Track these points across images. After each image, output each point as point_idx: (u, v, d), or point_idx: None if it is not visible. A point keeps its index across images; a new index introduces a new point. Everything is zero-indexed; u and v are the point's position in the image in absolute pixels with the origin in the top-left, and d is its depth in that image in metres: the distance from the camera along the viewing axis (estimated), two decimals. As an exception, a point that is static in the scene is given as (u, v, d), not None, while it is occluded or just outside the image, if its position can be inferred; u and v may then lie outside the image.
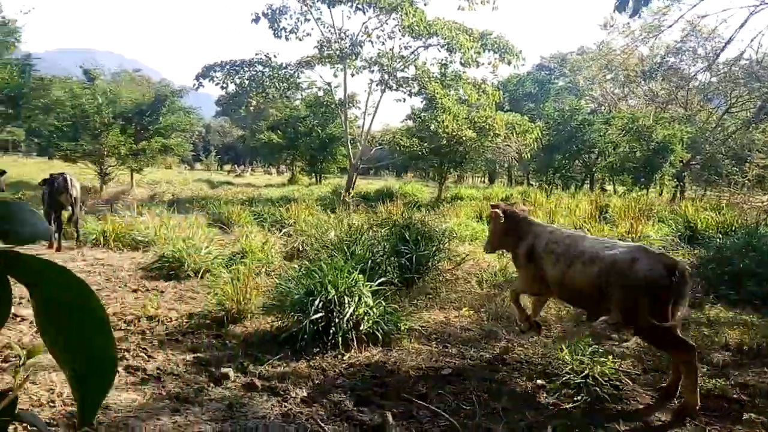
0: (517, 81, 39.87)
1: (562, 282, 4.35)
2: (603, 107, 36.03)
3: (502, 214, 5.00)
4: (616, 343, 5.12)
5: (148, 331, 5.03)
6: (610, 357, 4.32)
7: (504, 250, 5.75)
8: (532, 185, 30.05)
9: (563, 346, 4.45)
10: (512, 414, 3.68)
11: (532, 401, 3.91)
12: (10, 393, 0.72)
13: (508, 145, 23.74)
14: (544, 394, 4.02)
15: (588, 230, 10.20)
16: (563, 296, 4.64)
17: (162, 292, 6.50)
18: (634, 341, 5.03)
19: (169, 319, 5.40)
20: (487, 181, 51.22)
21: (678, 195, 23.95)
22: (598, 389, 3.91)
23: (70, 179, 8.92)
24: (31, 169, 29.08)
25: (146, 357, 4.39)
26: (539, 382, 4.20)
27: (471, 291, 6.77)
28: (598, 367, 4.13)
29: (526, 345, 5.06)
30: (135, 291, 6.49)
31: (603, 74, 28.35)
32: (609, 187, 33.26)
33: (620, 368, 4.37)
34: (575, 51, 38.89)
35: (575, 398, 3.87)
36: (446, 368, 4.44)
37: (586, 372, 4.07)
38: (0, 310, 0.54)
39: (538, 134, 21.51)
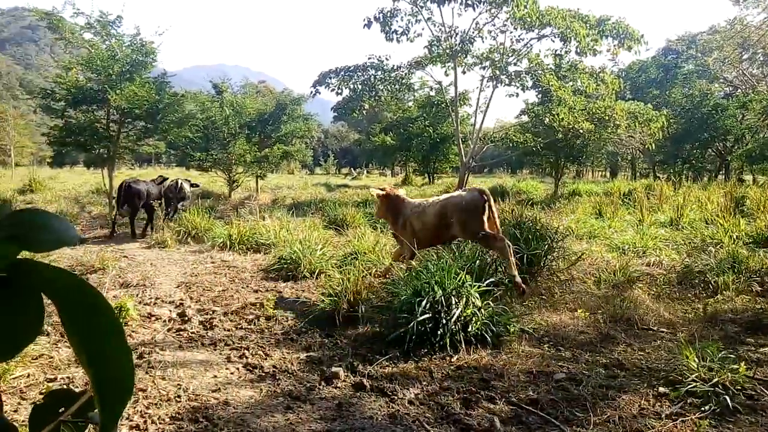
0: (639, 67, 37.41)
1: (423, 228, 6.51)
2: (739, 90, 32.80)
3: (383, 194, 7.05)
4: (752, 348, 4.65)
5: (266, 330, 5.32)
6: (743, 363, 3.93)
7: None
8: (658, 177, 28.06)
9: (690, 351, 4.12)
10: (630, 423, 3.45)
11: (653, 410, 3.65)
12: (86, 393, 0.78)
13: (631, 136, 22.34)
14: (667, 403, 3.73)
15: (721, 225, 9.36)
16: (426, 242, 6.57)
17: (280, 292, 6.83)
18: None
19: (285, 319, 5.67)
20: (608, 175, 48.66)
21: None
22: (728, 399, 3.57)
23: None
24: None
25: (263, 355, 4.63)
26: (661, 389, 3.90)
27: (587, 291, 6.44)
28: (730, 374, 3.78)
29: (648, 350, 4.74)
30: (256, 291, 6.88)
31: (738, 54, 25.87)
32: (748, 177, 30.28)
33: (755, 376, 3.96)
34: (706, 31, 35.65)
35: (702, 408, 3.56)
36: (559, 373, 4.26)
37: (716, 380, 3.74)
38: (30, 322, 0.57)
39: (663, 123, 19.99)
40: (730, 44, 26.71)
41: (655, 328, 5.28)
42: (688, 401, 3.68)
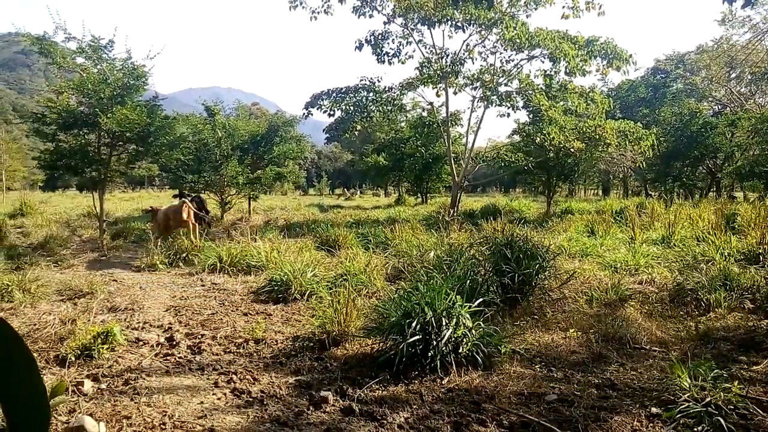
0: (629, 87, 37.85)
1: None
2: (728, 108, 33.19)
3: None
4: (744, 366, 4.61)
5: (255, 354, 5.25)
6: (737, 382, 3.90)
7: None
8: (650, 195, 28.22)
9: (682, 370, 4.08)
10: (622, 445, 3.41)
11: (646, 431, 3.61)
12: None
13: (622, 155, 22.47)
14: (660, 424, 3.69)
15: (712, 242, 9.37)
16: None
17: (270, 315, 6.77)
18: (766, 364, 4.52)
19: (275, 342, 5.60)
20: (600, 193, 48.93)
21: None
22: (721, 419, 3.53)
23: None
24: (162, 201, 31.74)
25: (252, 379, 4.56)
26: (654, 410, 3.86)
27: (579, 310, 6.41)
28: (723, 393, 3.74)
29: (641, 369, 4.70)
30: (246, 314, 6.81)
31: (725, 73, 26.26)
32: (738, 194, 30.50)
33: (748, 395, 3.92)
34: (693, 51, 36.12)
35: (695, 429, 3.52)
36: (551, 394, 4.21)
37: (708, 399, 3.70)
38: None
39: (653, 141, 20.15)
40: (717, 63, 27.11)
41: (648, 347, 5.25)
42: (681, 422, 3.63)
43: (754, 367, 4.57)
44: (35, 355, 4.94)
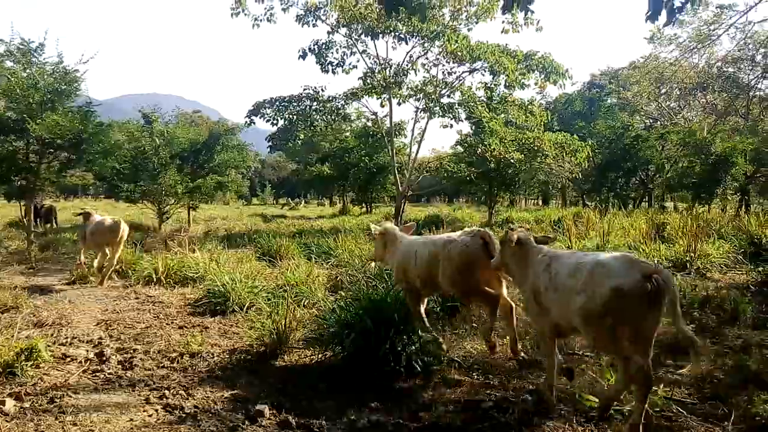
0: (566, 100, 39.27)
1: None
2: (659, 122, 34.90)
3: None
4: (671, 369, 4.81)
5: (189, 368, 5.10)
6: (662, 385, 4.07)
7: None
8: (587, 205, 29.25)
9: (610, 375, 4.23)
10: (555, 450, 3.49)
11: (577, 435, 3.71)
12: None
13: (561, 166, 23.23)
14: (590, 427, 3.80)
15: (643, 250, 9.79)
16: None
17: (207, 327, 6.59)
18: (689, 368, 4.73)
19: (211, 355, 5.46)
20: (540, 203, 50.35)
21: (742, 210, 22.72)
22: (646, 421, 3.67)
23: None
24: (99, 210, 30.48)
25: (185, 395, 4.43)
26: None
27: (516, 317, 6.54)
28: (650, 396, 3.89)
29: (575, 374, 4.83)
30: (181, 327, 6.61)
31: (655, 88, 27.59)
32: (669, 204, 32.03)
33: (672, 397, 4.10)
34: (626, 66, 37.88)
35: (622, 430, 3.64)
36: (487, 401, 4.27)
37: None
38: None
39: (588, 153, 20.97)
40: (647, 79, 28.44)
41: (580, 353, 5.40)
42: (613, 425, 3.75)
43: (680, 370, 4.77)
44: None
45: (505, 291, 5.22)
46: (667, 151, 28.28)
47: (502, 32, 19.64)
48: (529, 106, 21.48)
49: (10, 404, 4.10)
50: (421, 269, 5.50)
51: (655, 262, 8.86)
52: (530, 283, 4.25)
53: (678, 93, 32.72)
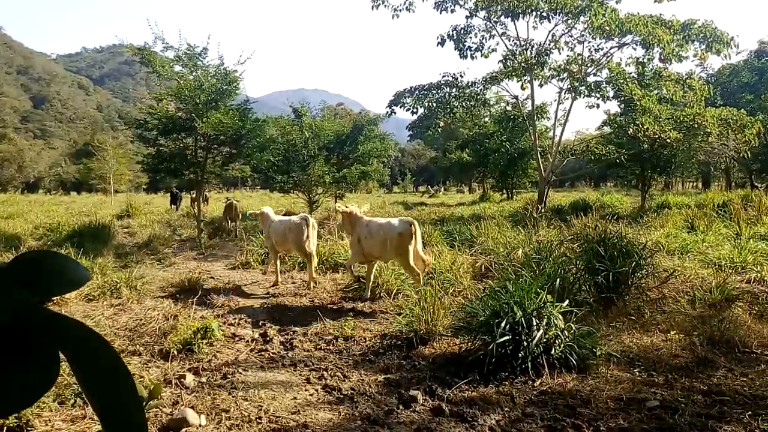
0: (730, 71, 35.31)
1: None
2: None
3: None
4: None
5: (344, 351, 5.34)
6: None
7: None
8: (756, 187, 26.17)
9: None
10: (733, 458, 3.18)
11: (759, 444, 3.35)
12: None
13: (724, 144, 20.94)
14: (774, 435, 3.41)
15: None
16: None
17: (358, 312, 6.87)
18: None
19: (363, 340, 5.67)
20: (700, 186, 46.01)
21: None
22: None
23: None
24: (254, 201, 33.10)
25: (342, 377, 4.65)
26: (768, 420, 3.58)
27: (680, 311, 6.04)
28: None
29: (752, 375, 4.37)
30: (334, 311, 6.95)
31: None
32: None
33: None
34: (807, 28, 33.24)
35: None
36: (652, 400, 3.98)
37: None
38: (41, 377, 0.52)
39: (759, 129, 18.67)
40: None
41: (759, 351, 4.87)
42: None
43: None
44: (142, 348, 5.28)
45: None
46: None
47: (655, 1, 18.09)
48: (688, 81, 19.57)
49: (189, 378, 4.56)
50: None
51: None
52: (356, 234, 7.73)
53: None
